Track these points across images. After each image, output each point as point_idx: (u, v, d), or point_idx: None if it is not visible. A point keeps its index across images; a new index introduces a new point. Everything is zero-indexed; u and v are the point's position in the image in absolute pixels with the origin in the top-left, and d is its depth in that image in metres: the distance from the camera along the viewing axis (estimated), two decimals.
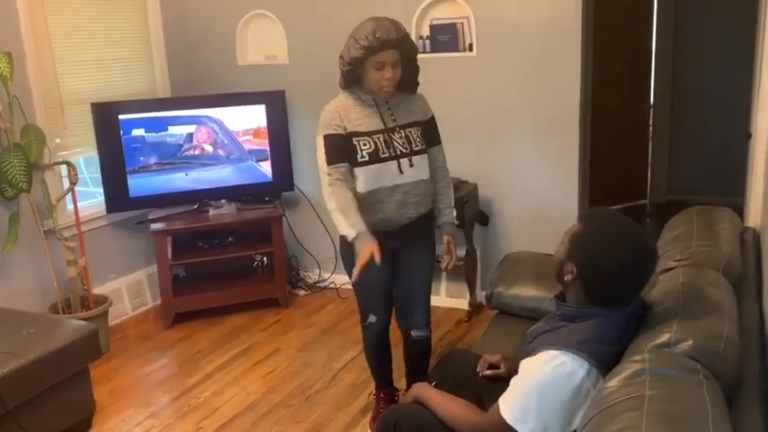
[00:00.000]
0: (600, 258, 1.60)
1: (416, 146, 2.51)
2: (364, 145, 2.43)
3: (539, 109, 3.63)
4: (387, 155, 2.45)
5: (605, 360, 1.54)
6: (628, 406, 1.26)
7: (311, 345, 3.65)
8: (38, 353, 2.63)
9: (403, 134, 2.49)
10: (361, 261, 2.30)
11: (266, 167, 4.13)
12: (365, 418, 2.91)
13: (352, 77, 2.44)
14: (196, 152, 4.01)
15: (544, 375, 1.58)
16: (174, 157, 3.97)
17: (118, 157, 3.83)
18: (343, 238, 2.46)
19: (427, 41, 3.80)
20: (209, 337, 3.80)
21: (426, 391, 1.98)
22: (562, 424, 1.58)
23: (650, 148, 5.92)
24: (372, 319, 2.70)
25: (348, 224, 2.35)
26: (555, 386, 1.57)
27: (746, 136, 3.74)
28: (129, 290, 4.12)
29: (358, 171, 2.45)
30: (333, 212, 2.40)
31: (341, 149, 2.41)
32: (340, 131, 2.43)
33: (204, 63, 4.41)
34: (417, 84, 2.57)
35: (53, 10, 3.59)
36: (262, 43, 4.30)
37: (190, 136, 3.98)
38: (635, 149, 5.82)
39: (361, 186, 2.45)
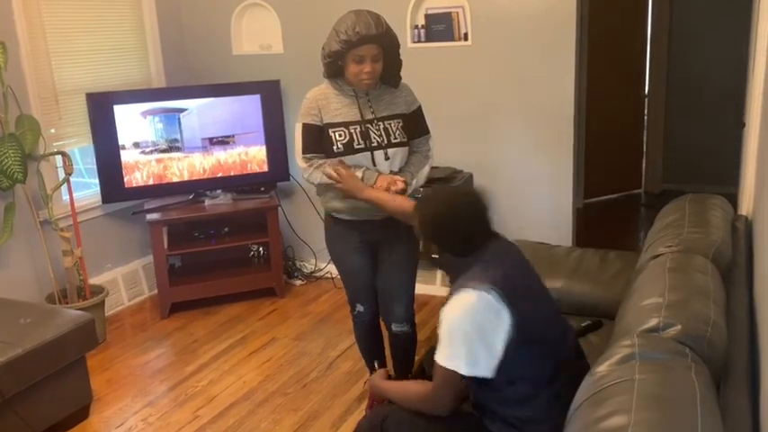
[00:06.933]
0: (440, 227, 1.83)
1: (395, 138, 2.49)
2: (339, 136, 2.44)
3: (534, 98, 3.64)
4: (362, 146, 2.45)
5: (495, 280, 1.69)
6: (618, 390, 1.28)
7: (307, 334, 3.67)
8: (34, 342, 2.64)
9: (381, 126, 2.48)
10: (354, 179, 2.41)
11: (262, 157, 4.13)
12: (361, 406, 2.93)
13: (334, 69, 2.44)
14: (191, 143, 4.01)
15: (453, 311, 1.72)
16: (170, 147, 3.97)
17: (113, 147, 3.83)
18: (326, 224, 2.65)
19: (422, 31, 3.80)
20: (206, 326, 3.81)
21: (380, 385, 2.03)
22: (487, 346, 1.68)
23: (645, 138, 5.94)
24: (360, 308, 2.73)
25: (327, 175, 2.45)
26: (465, 315, 1.70)
27: (741, 125, 3.75)
28: (126, 280, 4.14)
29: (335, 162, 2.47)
30: (315, 176, 2.48)
31: (316, 141, 2.47)
32: (317, 122, 2.47)
33: (199, 53, 4.41)
34: (400, 78, 2.55)
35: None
36: (257, 33, 4.30)
37: (185, 126, 3.98)
38: (630, 139, 5.83)
39: None
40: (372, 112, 2.49)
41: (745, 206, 2.92)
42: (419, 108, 2.61)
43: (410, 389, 1.93)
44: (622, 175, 5.83)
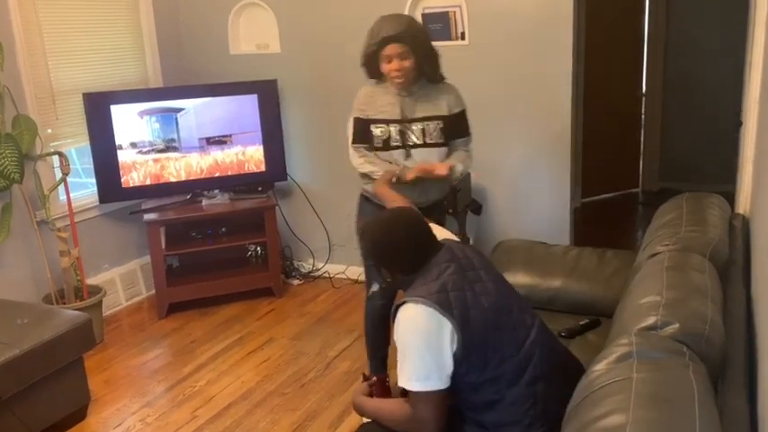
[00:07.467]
0: (380, 257, 1.92)
1: (430, 139, 2.66)
2: (381, 133, 2.66)
3: (531, 97, 3.64)
4: (398, 143, 2.65)
5: (432, 293, 1.73)
6: (615, 389, 1.28)
7: (305, 334, 3.67)
8: (32, 343, 2.63)
9: (420, 126, 2.65)
10: (389, 175, 2.60)
11: (259, 157, 4.13)
12: None
13: (373, 69, 2.66)
14: (188, 142, 4.00)
15: (399, 328, 1.76)
16: (167, 147, 3.97)
17: (110, 147, 3.82)
18: (359, 204, 2.83)
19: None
20: (204, 326, 3.81)
21: (362, 404, 2.01)
22: (434, 357, 1.70)
23: (642, 136, 5.94)
24: (375, 287, 2.78)
25: (374, 168, 2.67)
26: (409, 330, 1.73)
27: (737, 124, 3.75)
28: (123, 280, 4.13)
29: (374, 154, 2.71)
30: (363, 167, 2.71)
31: (364, 132, 2.71)
32: (364, 117, 2.71)
33: (196, 52, 4.40)
34: (439, 72, 2.69)
35: None
36: (254, 32, 4.29)
37: (182, 126, 3.97)
38: (627, 137, 5.83)
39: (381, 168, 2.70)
40: (413, 112, 2.66)
41: (743, 204, 2.92)
42: (462, 111, 2.77)
43: (392, 410, 1.88)
44: (620, 174, 5.83)
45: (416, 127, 2.65)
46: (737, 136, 3.71)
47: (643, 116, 5.88)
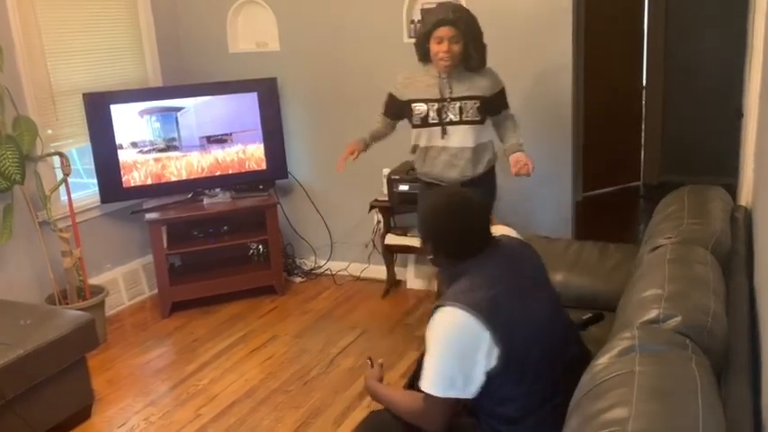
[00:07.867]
0: (429, 229, 1.85)
1: (467, 116, 2.84)
2: (418, 111, 2.88)
3: (531, 92, 3.63)
4: (436, 121, 2.86)
5: (479, 302, 1.65)
6: (618, 382, 1.27)
7: (308, 331, 3.67)
8: (35, 344, 2.64)
9: (457, 105, 2.84)
10: (344, 151, 3.00)
11: (260, 155, 4.13)
12: (363, 403, 2.93)
13: (423, 52, 2.84)
14: (189, 141, 4.00)
15: (435, 330, 1.70)
16: (167, 146, 3.96)
17: (111, 147, 3.82)
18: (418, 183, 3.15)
19: (419, 26, 3.79)
20: (207, 325, 3.81)
21: (376, 389, 2.00)
22: (464, 369, 1.65)
23: (643, 129, 5.92)
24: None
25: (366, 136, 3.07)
26: (444, 336, 1.68)
27: (738, 115, 3.74)
28: (126, 280, 4.13)
29: (415, 131, 2.95)
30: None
31: (390, 108, 3.02)
32: (397, 95, 2.96)
33: (195, 51, 4.39)
34: (484, 62, 2.86)
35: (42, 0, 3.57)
36: (252, 31, 4.29)
37: (182, 125, 3.97)
38: (628, 131, 5.82)
39: (421, 142, 2.95)
40: (450, 92, 2.84)
41: (745, 196, 2.92)
42: (502, 90, 2.96)
43: (402, 402, 1.86)
44: (621, 168, 5.82)
45: (454, 105, 2.82)
46: (739, 127, 3.69)
47: (644, 109, 5.86)
